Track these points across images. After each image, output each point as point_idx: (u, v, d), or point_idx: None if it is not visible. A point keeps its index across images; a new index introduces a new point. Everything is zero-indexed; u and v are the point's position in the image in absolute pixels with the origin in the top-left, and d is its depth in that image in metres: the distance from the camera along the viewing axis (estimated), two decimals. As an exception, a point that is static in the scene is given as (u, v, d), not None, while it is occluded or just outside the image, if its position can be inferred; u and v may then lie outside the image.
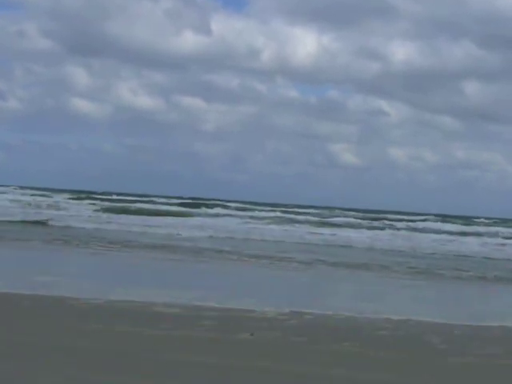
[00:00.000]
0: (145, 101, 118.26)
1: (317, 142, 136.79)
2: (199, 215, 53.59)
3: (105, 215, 47.54)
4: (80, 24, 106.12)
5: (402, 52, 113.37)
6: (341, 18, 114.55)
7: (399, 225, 51.28)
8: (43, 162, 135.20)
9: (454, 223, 58.57)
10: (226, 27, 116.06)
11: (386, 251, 32.14)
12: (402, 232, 45.04)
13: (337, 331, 10.61)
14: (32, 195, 69.31)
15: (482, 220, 69.13)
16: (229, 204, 70.53)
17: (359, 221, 53.29)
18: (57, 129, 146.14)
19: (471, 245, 38.64)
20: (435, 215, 68.51)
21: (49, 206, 53.08)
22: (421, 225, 53.11)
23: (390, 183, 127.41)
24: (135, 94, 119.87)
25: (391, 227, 48.67)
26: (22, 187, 79.16)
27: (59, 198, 68.64)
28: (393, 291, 18.62)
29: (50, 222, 38.22)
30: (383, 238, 39.97)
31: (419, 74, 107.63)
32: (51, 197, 69.62)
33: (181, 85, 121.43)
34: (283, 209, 68.24)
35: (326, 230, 43.47)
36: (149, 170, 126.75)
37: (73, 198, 67.58)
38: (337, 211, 70.26)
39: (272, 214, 56.49)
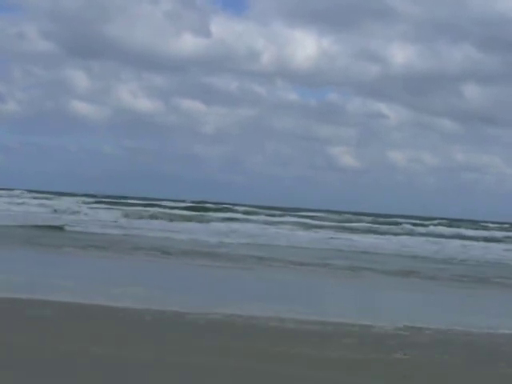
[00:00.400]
0: (144, 103, 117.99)
1: (316, 145, 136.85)
2: (216, 220, 53.22)
3: (123, 220, 47.30)
4: (80, 26, 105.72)
5: (401, 55, 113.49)
6: (340, 20, 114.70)
7: (418, 230, 51.20)
8: (42, 164, 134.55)
9: (464, 227, 58.47)
10: (225, 29, 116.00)
11: (420, 258, 32.03)
12: (427, 238, 44.89)
13: (479, 349, 10.29)
14: (40, 198, 68.93)
15: (488, 224, 68.85)
16: (236, 207, 70.16)
17: (378, 225, 53.11)
18: (56, 131, 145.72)
19: (496, 250, 38.60)
20: (446, 219, 68.37)
21: (65, 211, 52.73)
22: (436, 229, 53.06)
23: (390, 186, 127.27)
24: (135, 96, 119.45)
25: (412, 232, 48.62)
26: (29, 191, 78.54)
27: (66, 201, 68.27)
28: (474, 302, 18.37)
29: (67, 228, 37.83)
30: (408, 243, 39.91)
31: (419, 77, 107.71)
32: (58, 200, 69.31)
33: (180, 87, 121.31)
34: (290, 212, 68.03)
35: (348, 235, 43.42)
36: (148, 173, 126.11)
37: (86, 203, 67.21)
38: (345, 215, 69.88)
39: (290, 219, 56.20)
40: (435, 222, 62.22)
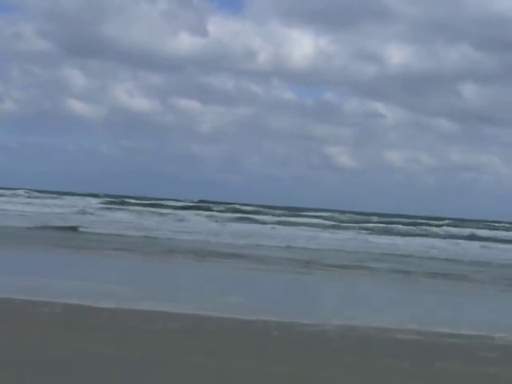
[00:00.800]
0: (141, 102, 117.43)
1: (313, 145, 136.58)
2: (227, 220, 52.89)
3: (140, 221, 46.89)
4: (77, 25, 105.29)
5: (398, 54, 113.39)
6: (338, 20, 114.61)
7: (436, 231, 51.12)
8: (40, 163, 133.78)
9: (473, 228, 58.29)
10: (222, 29, 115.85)
11: (451, 260, 32.04)
12: (445, 239, 44.74)
13: None
14: (43, 198, 68.49)
15: (493, 224, 68.72)
16: (244, 207, 69.88)
17: (394, 226, 52.91)
18: (54, 130, 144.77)
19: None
20: (451, 219, 68.42)
21: (81, 211, 52.25)
22: (450, 230, 53.00)
23: (388, 186, 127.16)
24: (132, 95, 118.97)
25: (429, 233, 48.56)
26: (32, 190, 77.82)
27: (71, 201, 67.85)
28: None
29: (81, 229, 37.38)
30: (430, 244, 39.86)
31: (416, 77, 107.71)
32: (61, 200, 68.91)
33: (177, 86, 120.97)
34: (295, 212, 67.87)
35: (363, 236, 43.30)
36: (146, 172, 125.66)
37: (93, 203, 66.73)
38: (349, 215, 69.79)
39: (301, 220, 55.92)
40: (445, 222, 62.18)
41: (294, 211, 70.91)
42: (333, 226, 51.17)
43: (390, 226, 52.72)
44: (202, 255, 26.41)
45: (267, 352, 9.34)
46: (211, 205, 73.63)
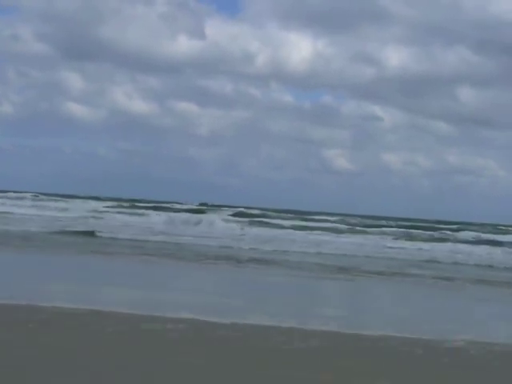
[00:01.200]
0: (139, 105, 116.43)
1: (311, 147, 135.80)
2: (239, 223, 52.32)
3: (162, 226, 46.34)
4: (74, 28, 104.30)
5: (396, 57, 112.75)
6: (336, 23, 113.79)
7: (459, 236, 50.73)
8: (37, 166, 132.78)
9: (485, 232, 57.74)
10: (220, 32, 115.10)
11: (480, 266, 31.73)
12: (467, 244, 44.30)
13: None
14: (46, 201, 67.88)
15: (502, 227, 68.03)
16: (248, 211, 69.24)
17: (414, 231, 52.41)
18: (51, 133, 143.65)
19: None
20: (464, 223, 68.05)
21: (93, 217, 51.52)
22: (467, 235, 52.59)
23: (385, 188, 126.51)
24: (130, 98, 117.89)
25: (452, 238, 48.22)
26: (35, 194, 76.91)
27: (77, 204, 67.24)
28: None
29: (98, 233, 36.77)
30: (454, 249, 39.48)
31: (414, 80, 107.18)
32: (66, 202, 68.34)
33: (175, 89, 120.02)
34: (301, 216, 67.30)
35: (387, 242, 42.90)
36: (144, 174, 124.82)
37: (111, 206, 66.11)
38: (358, 218, 69.29)
39: (311, 224, 55.28)
40: (455, 226, 61.77)
41: (296, 214, 70.32)
42: (349, 231, 50.61)
43: (410, 230, 52.19)
44: (237, 261, 25.94)
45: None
46: (215, 208, 73.06)
